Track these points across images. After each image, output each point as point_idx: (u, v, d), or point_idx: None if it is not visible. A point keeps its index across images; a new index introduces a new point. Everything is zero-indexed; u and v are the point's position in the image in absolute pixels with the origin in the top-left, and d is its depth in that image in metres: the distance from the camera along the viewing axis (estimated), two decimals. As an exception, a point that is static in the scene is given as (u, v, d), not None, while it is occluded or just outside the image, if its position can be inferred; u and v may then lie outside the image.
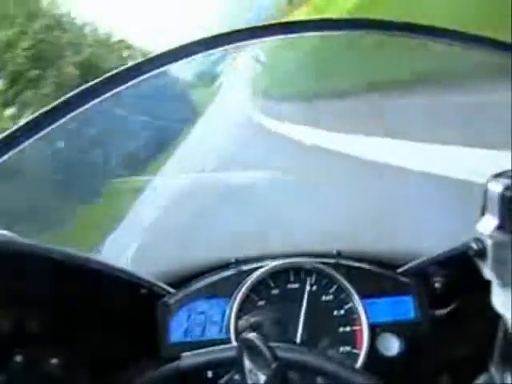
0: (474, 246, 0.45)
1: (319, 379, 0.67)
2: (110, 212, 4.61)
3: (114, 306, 0.82)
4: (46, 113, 0.69)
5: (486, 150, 3.13)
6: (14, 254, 0.65)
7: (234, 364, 0.54)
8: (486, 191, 0.45)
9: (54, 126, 0.69)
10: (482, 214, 0.46)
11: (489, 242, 0.44)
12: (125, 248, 3.27)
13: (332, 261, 0.93)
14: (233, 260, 0.94)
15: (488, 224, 0.44)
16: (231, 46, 0.82)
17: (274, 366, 0.48)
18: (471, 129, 3.60)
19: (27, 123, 0.69)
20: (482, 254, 0.44)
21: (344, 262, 0.93)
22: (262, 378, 0.50)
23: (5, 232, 0.68)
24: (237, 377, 0.62)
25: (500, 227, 0.43)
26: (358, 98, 6.56)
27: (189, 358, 0.61)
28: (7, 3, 10.99)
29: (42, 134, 0.69)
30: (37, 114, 0.69)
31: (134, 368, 0.74)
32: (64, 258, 0.71)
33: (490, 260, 0.44)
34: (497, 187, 0.44)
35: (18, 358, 0.68)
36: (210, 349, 0.63)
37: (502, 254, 0.43)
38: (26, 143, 0.69)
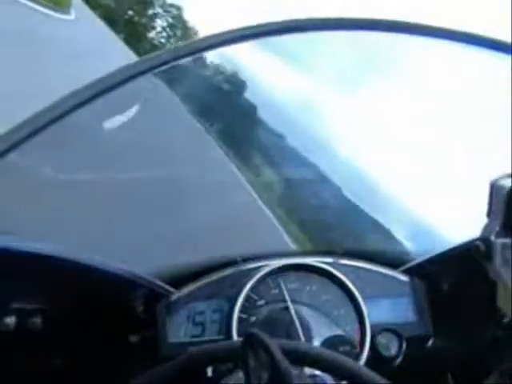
0: (480, 246, 0.45)
1: (319, 378, 0.67)
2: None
3: (114, 305, 0.81)
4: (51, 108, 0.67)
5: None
6: (14, 255, 0.64)
7: (239, 359, 0.54)
8: (491, 192, 0.45)
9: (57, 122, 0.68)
10: (488, 214, 0.45)
11: (496, 243, 0.44)
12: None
13: (332, 260, 0.93)
14: (233, 260, 0.94)
15: (494, 224, 0.44)
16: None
17: (281, 359, 0.47)
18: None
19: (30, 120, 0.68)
20: (488, 254, 0.44)
21: (344, 261, 0.93)
22: (266, 375, 0.50)
23: (4, 233, 0.67)
24: (240, 375, 0.62)
25: (506, 227, 0.43)
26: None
27: (195, 352, 0.60)
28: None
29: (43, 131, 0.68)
30: (40, 110, 0.68)
31: (134, 368, 0.74)
32: (64, 258, 0.71)
33: (497, 261, 0.44)
34: (503, 187, 0.44)
35: (19, 358, 0.68)
36: (216, 344, 0.63)
37: (508, 254, 0.43)
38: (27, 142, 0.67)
